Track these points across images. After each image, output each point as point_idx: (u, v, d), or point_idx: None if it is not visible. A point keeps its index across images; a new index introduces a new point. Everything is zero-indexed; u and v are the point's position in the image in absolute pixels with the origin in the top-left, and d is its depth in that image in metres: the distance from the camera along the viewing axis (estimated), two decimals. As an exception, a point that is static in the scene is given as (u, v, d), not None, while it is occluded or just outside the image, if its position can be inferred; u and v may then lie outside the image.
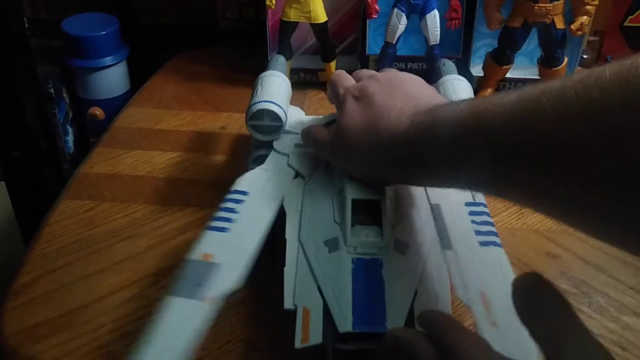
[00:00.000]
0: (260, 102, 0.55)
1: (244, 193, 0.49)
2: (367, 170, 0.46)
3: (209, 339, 0.47)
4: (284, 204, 0.48)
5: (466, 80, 0.62)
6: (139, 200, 0.63)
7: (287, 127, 0.57)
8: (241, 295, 0.51)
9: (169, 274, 0.53)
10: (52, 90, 0.93)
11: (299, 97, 0.82)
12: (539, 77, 0.80)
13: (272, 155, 0.55)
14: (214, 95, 0.83)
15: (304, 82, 0.84)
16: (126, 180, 0.66)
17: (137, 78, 0.93)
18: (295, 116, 0.60)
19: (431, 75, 0.81)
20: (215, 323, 0.44)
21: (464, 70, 0.84)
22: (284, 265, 0.44)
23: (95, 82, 0.94)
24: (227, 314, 0.49)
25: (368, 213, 0.45)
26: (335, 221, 0.46)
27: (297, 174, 0.52)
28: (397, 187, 0.49)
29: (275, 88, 0.58)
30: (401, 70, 0.86)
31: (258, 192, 0.49)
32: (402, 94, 0.44)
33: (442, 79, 0.62)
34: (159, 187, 0.65)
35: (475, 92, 0.81)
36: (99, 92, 0.94)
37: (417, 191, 0.50)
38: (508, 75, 0.80)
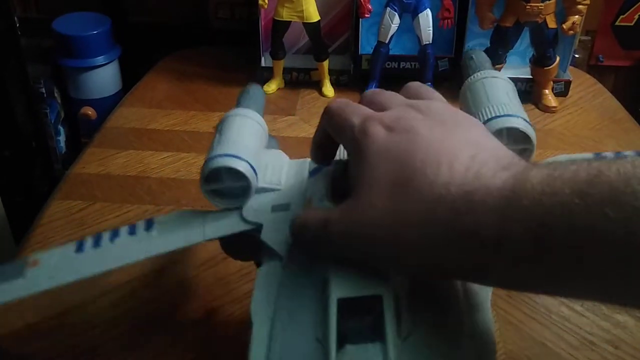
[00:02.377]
0: (216, 156, 0.37)
1: None
2: (410, 256, 0.28)
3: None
4: (251, 307, 0.32)
5: (506, 78, 0.41)
6: (131, 201, 0.62)
7: (261, 184, 0.38)
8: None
9: (162, 274, 0.53)
10: (43, 90, 0.92)
11: (291, 97, 0.82)
12: (531, 77, 0.81)
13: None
14: (206, 95, 0.83)
15: (296, 81, 0.84)
16: (118, 181, 0.66)
17: (129, 78, 0.93)
18: (273, 164, 0.41)
19: (424, 75, 0.81)
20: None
21: (456, 70, 0.85)
22: None
23: (87, 82, 0.93)
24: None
25: (365, 319, 0.28)
26: (316, 338, 0.29)
27: (272, 255, 0.35)
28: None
29: (238, 134, 0.40)
30: (393, 70, 0.87)
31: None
32: (463, 136, 0.29)
33: (474, 77, 0.41)
34: (152, 188, 0.65)
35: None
36: (90, 91, 0.94)
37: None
38: (500, 74, 0.80)
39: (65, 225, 0.59)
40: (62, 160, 0.97)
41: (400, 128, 0.29)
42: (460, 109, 0.40)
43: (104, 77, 0.94)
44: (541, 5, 0.73)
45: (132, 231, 0.39)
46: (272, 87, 0.83)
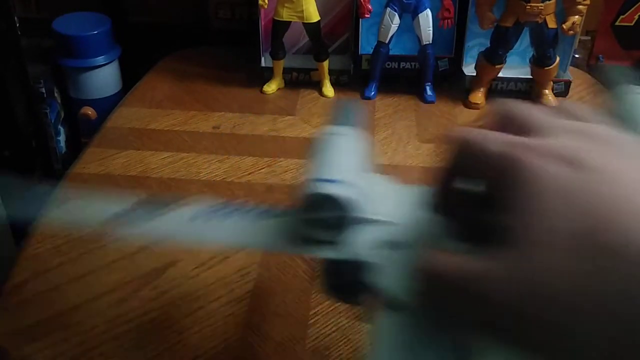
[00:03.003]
0: (313, 181, 0.32)
1: None
2: (608, 335, 0.20)
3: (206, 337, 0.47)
4: None
5: None
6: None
7: (362, 214, 0.32)
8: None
9: (162, 274, 0.53)
10: (43, 90, 0.92)
11: (291, 97, 0.82)
12: (531, 77, 0.81)
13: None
14: (206, 95, 0.83)
15: (296, 81, 0.84)
16: (118, 181, 0.66)
17: (129, 78, 0.93)
18: (379, 192, 0.35)
19: (424, 75, 0.81)
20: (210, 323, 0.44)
21: (456, 70, 0.85)
22: None
23: (87, 82, 0.93)
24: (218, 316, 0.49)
25: None
26: None
27: (389, 303, 0.29)
28: None
29: (339, 154, 0.35)
30: (393, 70, 0.87)
31: None
32: None
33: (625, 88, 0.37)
34: (152, 187, 0.65)
35: (468, 91, 0.82)
36: (90, 92, 0.94)
37: None
38: (500, 74, 0.80)
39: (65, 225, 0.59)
40: (62, 160, 0.97)
41: (579, 163, 0.22)
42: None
43: (104, 77, 0.94)
44: (541, 5, 0.73)
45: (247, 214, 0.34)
46: (272, 87, 0.83)
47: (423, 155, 0.71)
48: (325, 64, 0.82)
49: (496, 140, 0.24)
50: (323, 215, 0.31)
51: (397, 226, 0.31)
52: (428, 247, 0.28)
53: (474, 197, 0.27)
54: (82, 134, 0.98)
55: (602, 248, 0.20)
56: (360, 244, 0.31)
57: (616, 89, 0.38)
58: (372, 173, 0.35)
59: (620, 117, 0.36)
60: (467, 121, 0.78)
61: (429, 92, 0.82)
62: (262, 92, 0.83)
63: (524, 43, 0.81)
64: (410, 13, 0.78)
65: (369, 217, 0.32)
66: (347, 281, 0.32)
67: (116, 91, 0.95)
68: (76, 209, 0.37)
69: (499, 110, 0.26)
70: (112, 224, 0.36)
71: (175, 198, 0.36)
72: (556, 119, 0.25)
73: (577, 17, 0.74)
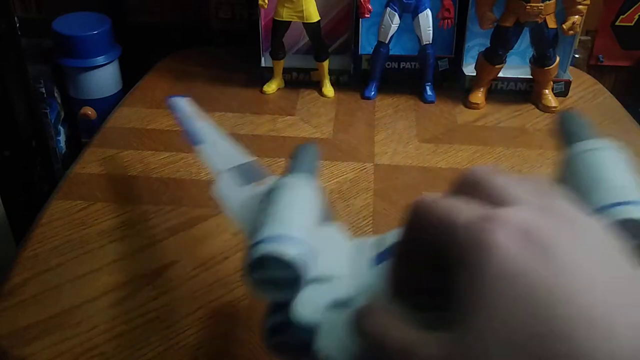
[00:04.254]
0: (260, 242, 0.31)
1: None
2: None
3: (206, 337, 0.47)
4: None
5: (622, 151, 0.34)
6: (131, 201, 0.62)
7: (316, 272, 0.31)
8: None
9: (162, 274, 0.53)
10: (43, 90, 0.92)
11: (291, 97, 0.82)
12: (531, 77, 0.81)
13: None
14: (206, 95, 0.83)
15: (296, 81, 0.84)
16: (118, 181, 0.66)
17: (129, 78, 0.93)
18: (331, 246, 0.33)
19: (424, 75, 0.81)
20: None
21: (456, 70, 0.85)
22: None
23: (87, 82, 0.93)
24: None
25: None
26: None
27: None
28: None
29: (290, 210, 0.33)
30: (393, 70, 0.87)
31: None
32: (616, 271, 0.21)
33: (580, 145, 0.34)
34: (152, 187, 0.65)
35: (468, 91, 0.82)
36: (90, 91, 0.94)
37: None
38: (500, 74, 0.80)
39: (65, 225, 0.59)
40: (62, 160, 0.97)
41: (535, 241, 0.21)
42: (560, 178, 0.34)
43: (104, 77, 0.94)
44: (541, 5, 0.73)
45: None
46: (272, 87, 0.83)
47: (423, 155, 0.71)
48: (325, 64, 0.82)
49: (459, 207, 0.23)
50: (272, 275, 0.30)
51: (346, 283, 0.30)
52: (374, 302, 0.26)
53: (430, 275, 0.25)
54: (82, 134, 0.98)
55: (543, 355, 0.19)
56: (307, 305, 0.30)
57: (573, 145, 0.35)
58: (324, 224, 0.34)
59: (575, 179, 0.33)
60: (467, 121, 0.78)
61: (429, 92, 0.82)
62: (262, 92, 0.83)
63: (524, 43, 0.81)
64: (410, 13, 0.78)
65: (319, 275, 0.31)
66: (291, 341, 0.31)
67: (116, 91, 0.96)
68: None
69: (466, 178, 0.25)
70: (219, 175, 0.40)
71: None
72: (520, 187, 0.24)
73: (577, 17, 0.74)
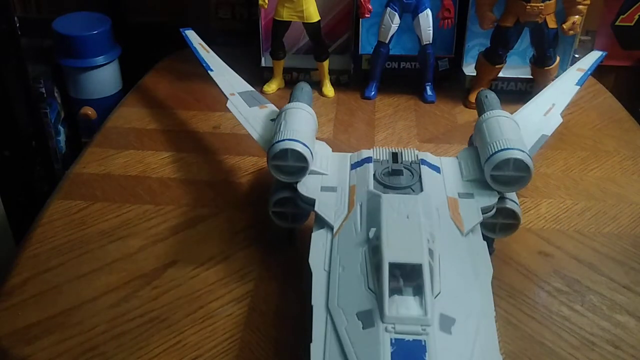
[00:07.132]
0: (283, 140, 0.48)
1: None
2: None
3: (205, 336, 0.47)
4: (309, 260, 0.43)
5: (513, 119, 0.53)
6: (132, 201, 0.62)
7: (312, 167, 0.50)
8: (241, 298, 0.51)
9: (162, 274, 0.53)
10: (43, 90, 0.92)
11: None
12: (531, 77, 0.81)
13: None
14: (206, 95, 0.83)
15: (297, 81, 0.83)
16: (119, 180, 0.66)
17: (130, 78, 0.93)
18: (320, 154, 0.53)
19: (424, 75, 0.81)
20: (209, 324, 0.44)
21: (456, 70, 0.85)
22: (311, 341, 0.38)
23: (87, 82, 0.93)
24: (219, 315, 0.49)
25: (408, 279, 0.39)
26: (368, 287, 0.39)
27: (323, 223, 0.46)
28: (440, 245, 0.42)
29: (300, 123, 0.51)
30: (393, 70, 0.87)
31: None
32: None
33: (486, 114, 0.53)
34: (152, 187, 0.65)
35: (468, 91, 0.82)
36: (90, 91, 0.94)
37: (460, 246, 0.44)
38: (500, 74, 0.80)
39: (65, 225, 0.59)
40: (62, 160, 0.97)
41: None
42: (474, 138, 0.54)
43: (104, 77, 0.94)
44: (541, 5, 0.73)
45: None
46: (272, 87, 0.83)
47: (423, 155, 0.70)
48: (326, 64, 0.82)
49: None
50: (288, 164, 0.49)
51: (332, 177, 0.50)
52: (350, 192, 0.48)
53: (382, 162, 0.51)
54: (82, 134, 0.98)
55: None
56: (308, 186, 0.49)
57: (482, 115, 0.53)
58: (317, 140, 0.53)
59: (480, 137, 0.51)
60: (467, 121, 0.78)
61: (429, 92, 0.82)
62: (262, 92, 0.83)
63: (524, 43, 0.81)
64: (410, 13, 0.78)
65: (315, 169, 0.50)
66: (289, 211, 0.52)
67: (116, 91, 0.96)
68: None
69: None
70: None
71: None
72: None
73: (577, 17, 0.74)
